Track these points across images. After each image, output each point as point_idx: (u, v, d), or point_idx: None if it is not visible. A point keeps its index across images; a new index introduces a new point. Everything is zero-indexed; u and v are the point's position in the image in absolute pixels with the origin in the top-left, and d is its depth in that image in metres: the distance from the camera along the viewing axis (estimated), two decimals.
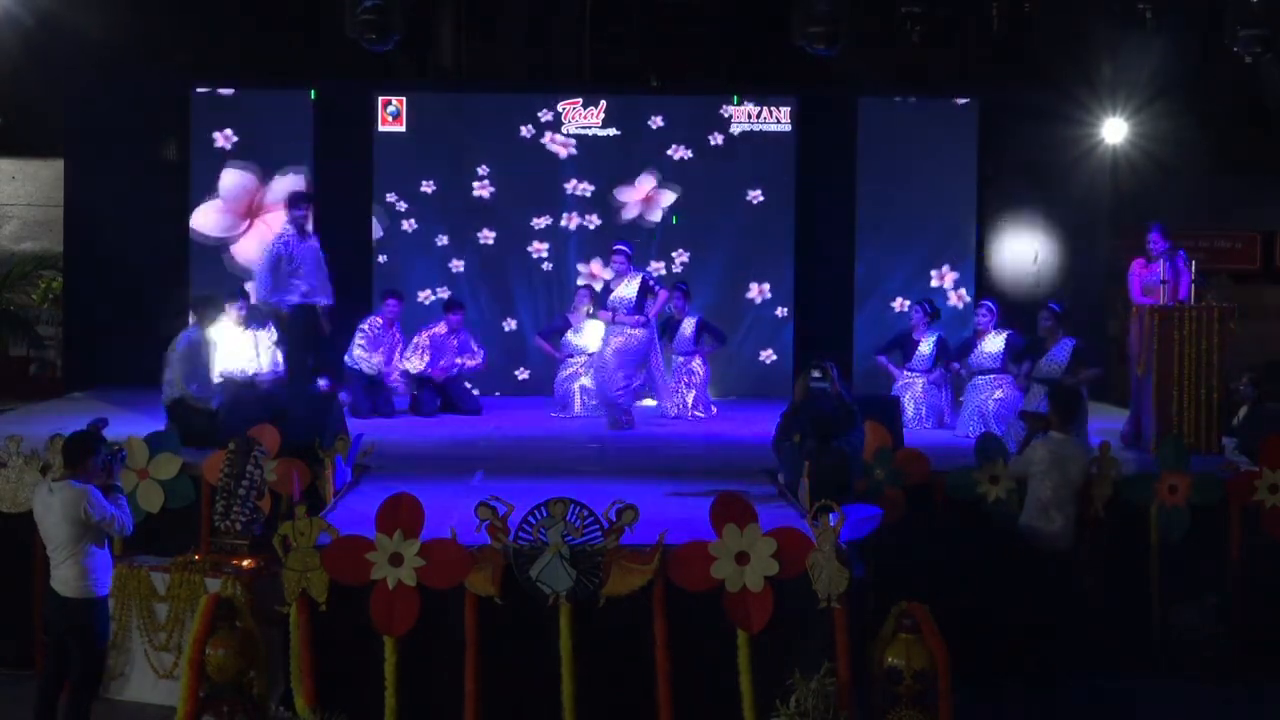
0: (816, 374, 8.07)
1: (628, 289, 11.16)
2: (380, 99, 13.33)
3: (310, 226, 10.56)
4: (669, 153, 13.41)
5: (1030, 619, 8.12)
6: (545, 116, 13.39)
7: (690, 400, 11.78)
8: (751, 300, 13.50)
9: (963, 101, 13.56)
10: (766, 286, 13.48)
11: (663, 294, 11.46)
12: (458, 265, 13.39)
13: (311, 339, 10.37)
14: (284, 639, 6.66)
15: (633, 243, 12.15)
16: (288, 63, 13.55)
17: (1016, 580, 8.10)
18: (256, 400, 9.65)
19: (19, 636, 8.21)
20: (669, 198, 13.43)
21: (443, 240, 13.38)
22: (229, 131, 13.26)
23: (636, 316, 11.10)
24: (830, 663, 6.34)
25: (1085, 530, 8.46)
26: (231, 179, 13.31)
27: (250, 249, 12.80)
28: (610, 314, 11.29)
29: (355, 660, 6.55)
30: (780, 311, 13.52)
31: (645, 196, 13.42)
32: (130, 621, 7.71)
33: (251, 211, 13.32)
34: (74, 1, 12.22)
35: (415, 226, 13.39)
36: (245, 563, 7.55)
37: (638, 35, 14.39)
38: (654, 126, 13.42)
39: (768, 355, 13.50)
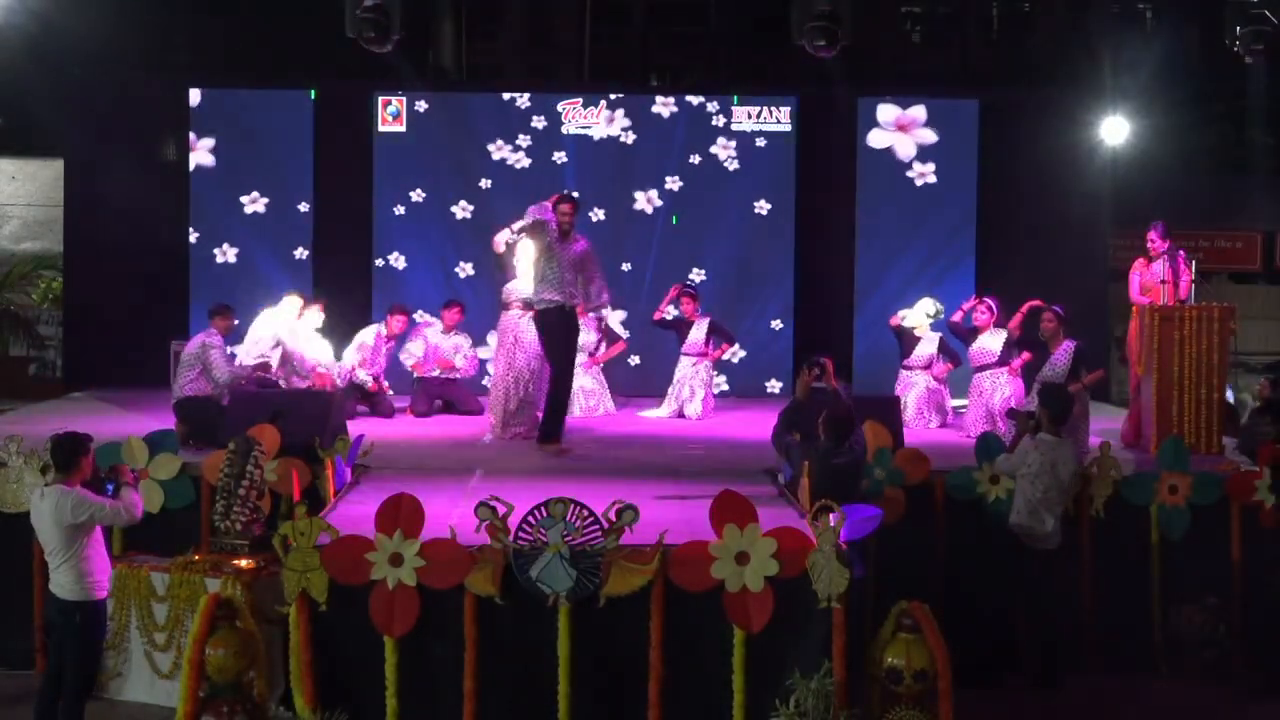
0: (815, 371, 8.07)
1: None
2: (380, 99, 13.33)
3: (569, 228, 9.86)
4: (668, 152, 13.40)
5: (1030, 619, 8.12)
6: (545, 117, 13.39)
7: (695, 403, 11.74)
8: (752, 299, 13.49)
9: (962, 102, 13.56)
10: (767, 285, 13.47)
11: None
12: (457, 266, 13.40)
13: (560, 338, 9.83)
14: (284, 639, 6.66)
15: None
16: (288, 63, 13.55)
17: (1014, 580, 8.10)
18: (262, 400, 9.64)
19: (19, 636, 8.20)
20: None
21: (441, 242, 13.37)
22: (211, 140, 13.24)
23: (529, 311, 10.25)
24: (829, 662, 6.33)
25: (1083, 530, 8.47)
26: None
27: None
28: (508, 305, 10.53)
29: (355, 660, 6.54)
30: (780, 312, 13.50)
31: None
32: (130, 621, 7.71)
33: None
34: (74, 2, 12.23)
35: (414, 227, 13.38)
36: (245, 563, 7.54)
37: (638, 35, 14.41)
38: (654, 126, 13.42)
39: (768, 356, 13.49)
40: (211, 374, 9.78)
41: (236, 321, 10.48)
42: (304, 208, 13.36)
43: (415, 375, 11.89)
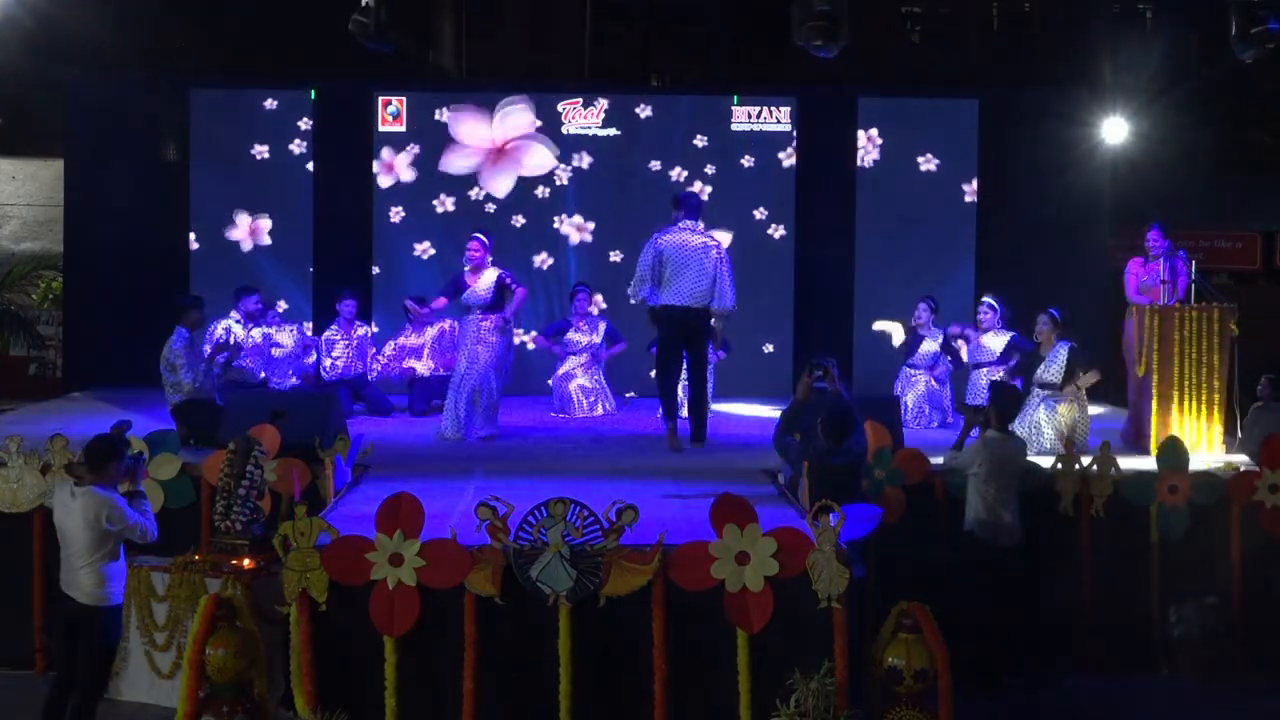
0: (819, 372, 8.08)
1: (483, 283, 10.43)
2: (380, 99, 13.33)
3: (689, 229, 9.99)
4: (668, 152, 13.39)
5: (1028, 618, 8.11)
6: (545, 117, 13.39)
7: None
8: (750, 299, 13.45)
9: (963, 101, 13.55)
10: (767, 284, 13.46)
11: (520, 292, 10.59)
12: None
13: (677, 339, 9.96)
14: (284, 639, 6.66)
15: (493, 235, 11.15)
16: (288, 63, 13.53)
17: (985, 583, 8.08)
18: (262, 400, 9.63)
19: (19, 636, 8.20)
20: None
21: (441, 241, 13.35)
22: (212, 139, 13.22)
23: (494, 315, 10.33)
24: (830, 663, 6.34)
25: (1083, 530, 8.47)
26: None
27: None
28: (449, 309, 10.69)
29: (355, 660, 6.55)
30: (779, 311, 13.49)
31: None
32: (130, 621, 7.70)
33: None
34: (74, 1, 12.22)
35: (413, 228, 13.37)
36: (245, 563, 7.54)
37: (638, 35, 14.40)
38: (654, 127, 13.41)
39: (768, 353, 13.48)
40: (178, 377, 9.61)
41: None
42: (303, 208, 13.36)
43: (413, 375, 11.90)
